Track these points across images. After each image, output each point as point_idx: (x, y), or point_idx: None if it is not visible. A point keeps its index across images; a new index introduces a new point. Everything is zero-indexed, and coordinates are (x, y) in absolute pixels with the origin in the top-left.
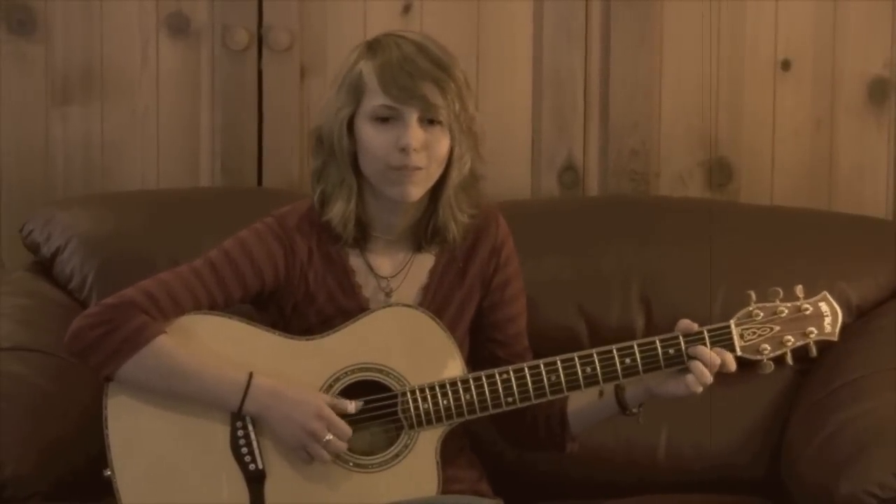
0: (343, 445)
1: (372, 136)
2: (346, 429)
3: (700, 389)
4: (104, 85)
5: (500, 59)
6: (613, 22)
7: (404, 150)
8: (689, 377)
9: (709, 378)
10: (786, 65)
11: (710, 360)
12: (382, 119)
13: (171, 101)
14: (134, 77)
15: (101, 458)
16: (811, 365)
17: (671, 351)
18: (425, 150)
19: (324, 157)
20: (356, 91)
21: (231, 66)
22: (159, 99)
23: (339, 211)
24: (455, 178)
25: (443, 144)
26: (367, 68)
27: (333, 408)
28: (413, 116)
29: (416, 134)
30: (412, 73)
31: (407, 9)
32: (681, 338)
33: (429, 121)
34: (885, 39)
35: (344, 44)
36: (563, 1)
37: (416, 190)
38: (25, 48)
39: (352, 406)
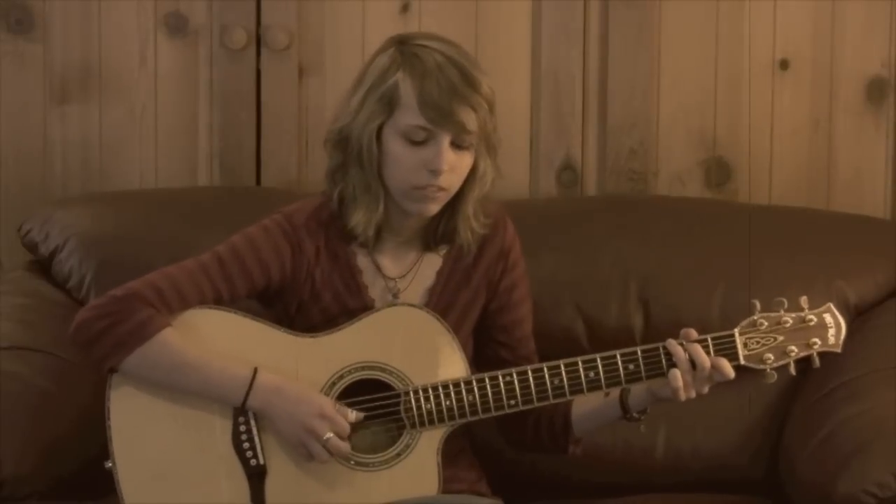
0: (343, 445)
1: (402, 154)
2: (347, 428)
3: (684, 394)
4: (102, 84)
5: (499, 58)
6: (612, 22)
7: (433, 173)
8: (672, 380)
9: (679, 382)
10: (784, 64)
11: (682, 357)
12: (415, 139)
13: (170, 100)
14: (132, 76)
15: (99, 457)
16: (809, 365)
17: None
18: (452, 171)
19: (345, 158)
20: (390, 102)
21: (229, 65)
22: (157, 98)
23: (362, 218)
24: (477, 195)
25: (467, 164)
26: (404, 83)
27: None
28: (446, 140)
29: (447, 157)
30: (451, 94)
31: (405, 8)
32: (684, 344)
33: (458, 144)
34: (883, 39)
35: (342, 43)
36: (561, 1)
37: (436, 206)
38: (24, 47)
39: (352, 416)
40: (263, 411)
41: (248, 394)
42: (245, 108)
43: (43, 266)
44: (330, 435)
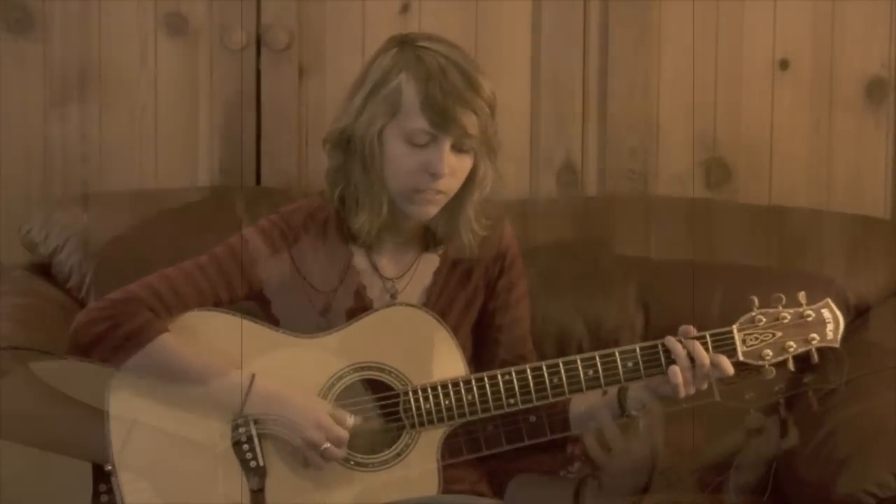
0: (340, 454)
1: (403, 157)
2: (344, 436)
3: (683, 390)
4: (102, 84)
5: (499, 59)
6: (612, 22)
7: (434, 176)
8: (671, 376)
9: (679, 378)
10: (784, 64)
11: (681, 354)
12: (416, 142)
13: (170, 100)
14: (132, 77)
15: (99, 458)
16: (809, 364)
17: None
18: (451, 175)
19: (346, 158)
20: (393, 105)
21: (229, 65)
22: (157, 98)
23: (366, 220)
24: (476, 199)
25: (467, 167)
26: (407, 86)
27: (332, 417)
28: (447, 144)
29: (448, 161)
30: (454, 98)
31: (405, 8)
32: (683, 340)
33: (459, 148)
34: (883, 39)
35: (342, 43)
36: (561, 1)
37: (434, 209)
38: (23, 47)
39: (350, 420)
40: (260, 419)
41: (244, 402)
42: (245, 108)
43: (43, 266)
44: (327, 445)
